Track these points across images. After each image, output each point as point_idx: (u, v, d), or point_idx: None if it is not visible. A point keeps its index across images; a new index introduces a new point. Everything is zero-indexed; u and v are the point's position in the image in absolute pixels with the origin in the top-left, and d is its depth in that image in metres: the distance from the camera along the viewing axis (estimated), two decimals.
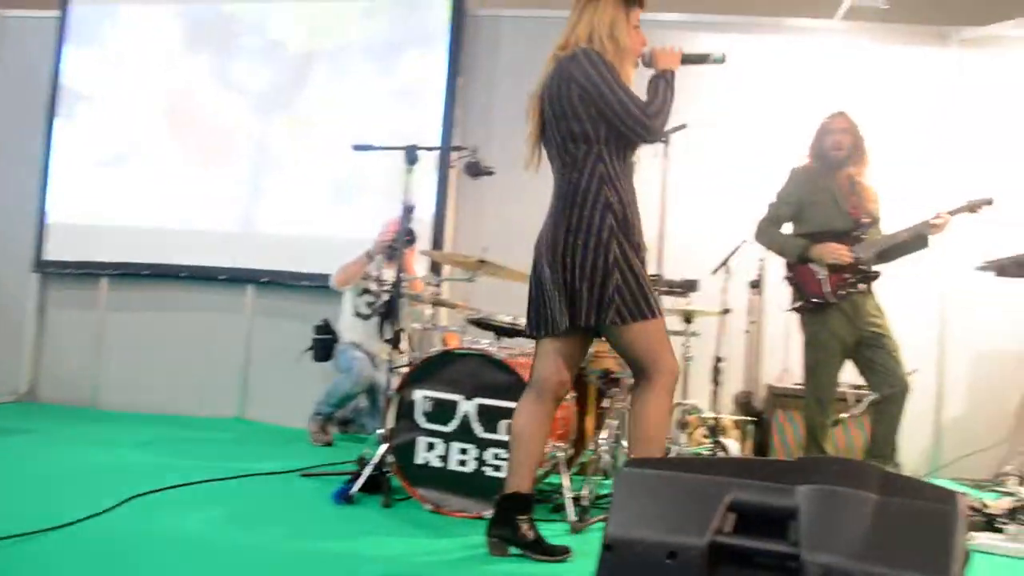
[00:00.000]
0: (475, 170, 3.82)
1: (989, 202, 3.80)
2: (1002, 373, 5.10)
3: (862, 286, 3.85)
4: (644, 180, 3.84)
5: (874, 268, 3.89)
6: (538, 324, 2.67)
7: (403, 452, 3.35)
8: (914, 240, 3.86)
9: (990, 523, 3.43)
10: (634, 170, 2.71)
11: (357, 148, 3.83)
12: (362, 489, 3.30)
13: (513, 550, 2.65)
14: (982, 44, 5.41)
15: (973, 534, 3.29)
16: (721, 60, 2.74)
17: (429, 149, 3.67)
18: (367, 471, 3.32)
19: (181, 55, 5.96)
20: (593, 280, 2.52)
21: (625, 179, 2.63)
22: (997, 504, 3.75)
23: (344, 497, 3.27)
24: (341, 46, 5.80)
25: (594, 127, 2.56)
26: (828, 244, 3.85)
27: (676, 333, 4.29)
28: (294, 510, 3.19)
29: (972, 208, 3.81)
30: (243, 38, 5.90)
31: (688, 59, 2.70)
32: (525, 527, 2.64)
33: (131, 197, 5.89)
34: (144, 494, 3.10)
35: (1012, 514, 3.51)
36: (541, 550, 2.64)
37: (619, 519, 1.80)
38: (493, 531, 2.66)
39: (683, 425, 4.17)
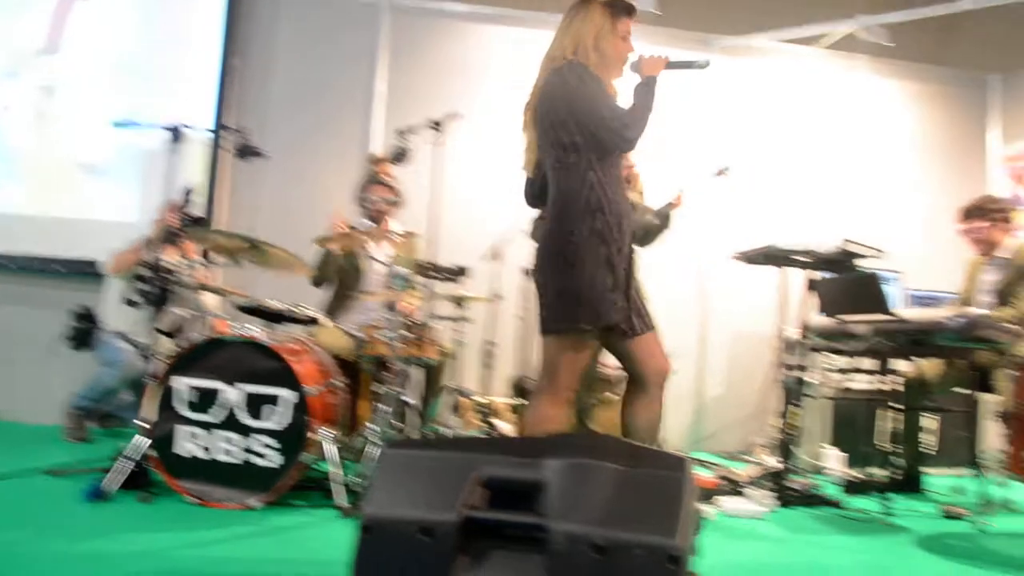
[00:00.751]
0: (246, 152, 3.71)
1: (727, 169, 4.42)
2: (753, 353, 5.59)
3: None
4: (417, 166, 3.92)
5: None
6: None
7: (164, 444, 3.18)
8: (662, 221, 4.16)
9: (736, 489, 3.76)
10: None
11: (118, 125, 3.60)
12: (122, 486, 3.10)
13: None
14: (739, 52, 5.93)
15: (720, 499, 3.59)
16: (705, 66, 2.81)
17: (194, 128, 3.49)
18: (122, 465, 3.12)
19: None
20: (568, 282, 2.53)
21: (615, 186, 2.64)
22: (744, 472, 4.10)
23: (97, 494, 3.06)
24: (104, 15, 5.38)
25: (583, 137, 2.59)
26: None
27: (447, 318, 4.38)
28: (40, 511, 2.95)
29: (717, 174, 4.44)
30: None
31: (672, 65, 2.78)
32: None
33: None
34: None
35: (755, 481, 3.85)
36: None
37: (377, 499, 1.81)
38: None
39: (456, 408, 4.23)
